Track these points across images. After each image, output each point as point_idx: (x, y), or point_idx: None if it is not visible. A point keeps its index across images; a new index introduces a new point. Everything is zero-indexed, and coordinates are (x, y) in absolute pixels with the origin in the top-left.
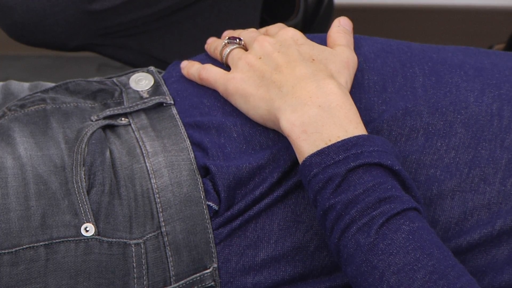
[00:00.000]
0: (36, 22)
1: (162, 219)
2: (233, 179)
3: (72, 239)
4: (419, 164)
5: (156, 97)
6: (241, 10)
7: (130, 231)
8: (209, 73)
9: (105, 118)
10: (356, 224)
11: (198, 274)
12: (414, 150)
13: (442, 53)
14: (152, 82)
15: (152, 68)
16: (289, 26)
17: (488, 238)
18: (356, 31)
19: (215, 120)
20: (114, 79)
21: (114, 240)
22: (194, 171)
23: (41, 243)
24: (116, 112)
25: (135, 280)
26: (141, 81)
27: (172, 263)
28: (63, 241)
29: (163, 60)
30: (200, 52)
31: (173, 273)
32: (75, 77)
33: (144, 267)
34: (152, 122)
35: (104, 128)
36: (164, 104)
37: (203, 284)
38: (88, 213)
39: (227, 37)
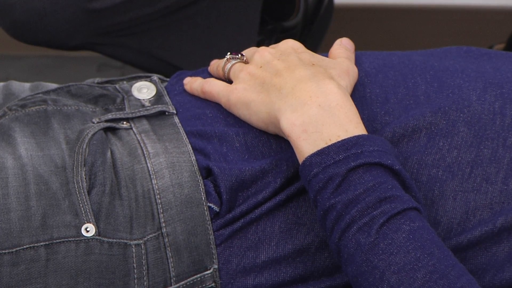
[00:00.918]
0: (36, 20)
1: (162, 220)
2: (236, 181)
3: (73, 239)
4: (421, 165)
5: (159, 105)
6: (241, 10)
7: (130, 232)
8: (212, 86)
9: (106, 121)
10: (356, 223)
11: (198, 275)
12: (416, 151)
13: (444, 61)
14: (154, 92)
15: (155, 77)
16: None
17: (489, 235)
18: (356, 31)
19: (217, 129)
20: (117, 86)
21: (115, 240)
22: (195, 173)
23: (41, 243)
24: (118, 116)
25: (136, 281)
26: (143, 90)
27: (172, 264)
28: (63, 241)
29: (163, 60)
30: (199, 52)
31: (173, 274)
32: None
33: (144, 268)
34: (153, 127)
35: (106, 130)
36: (167, 113)
37: (204, 285)
38: (88, 213)
39: (229, 53)
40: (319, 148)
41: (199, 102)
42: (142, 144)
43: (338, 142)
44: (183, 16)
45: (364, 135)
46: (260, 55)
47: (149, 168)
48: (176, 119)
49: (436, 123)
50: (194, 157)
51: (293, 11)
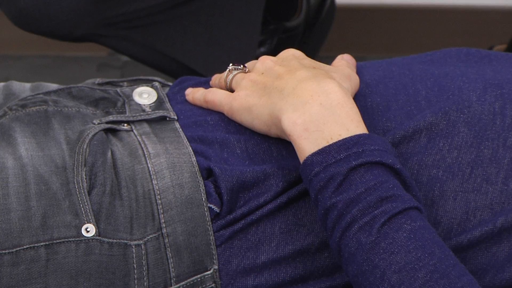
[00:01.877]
0: (41, 9)
1: (163, 221)
2: (237, 182)
3: (73, 239)
4: (421, 165)
5: (160, 111)
6: (244, 8)
7: (130, 232)
8: (215, 95)
9: (107, 122)
10: (357, 223)
11: (198, 276)
12: (416, 152)
13: (444, 67)
14: (155, 98)
15: (156, 84)
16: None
17: (489, 235)
18: (356, 31)
19: (218, 136)
20: (118, 90)
21: (115, 241)
22: (196, 173)
23: (41, 244)
24: (119, 118)
25: (136, 281)
26: (144, 95)
27: (172, 265)
28: (63, 242)
29: (166, 55)
30: (202, 49)
31: (173, 274)
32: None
33: (144, 268)
34: (154, 130)
35: (106, 131)
36: (168, 119)
37: (204, 286)
38: (89, 213)
39: (231, 64)
40: (320, 147)
41: (200, 110)
42: (142, 145)
43: (339, 141)
44: (187, 12)
45: (365, 134)
46: (262, 63)
47: (150, 169)
48: (177, 125)
49: (436, 124)
50: (194, 158)
51: (295, 11)
